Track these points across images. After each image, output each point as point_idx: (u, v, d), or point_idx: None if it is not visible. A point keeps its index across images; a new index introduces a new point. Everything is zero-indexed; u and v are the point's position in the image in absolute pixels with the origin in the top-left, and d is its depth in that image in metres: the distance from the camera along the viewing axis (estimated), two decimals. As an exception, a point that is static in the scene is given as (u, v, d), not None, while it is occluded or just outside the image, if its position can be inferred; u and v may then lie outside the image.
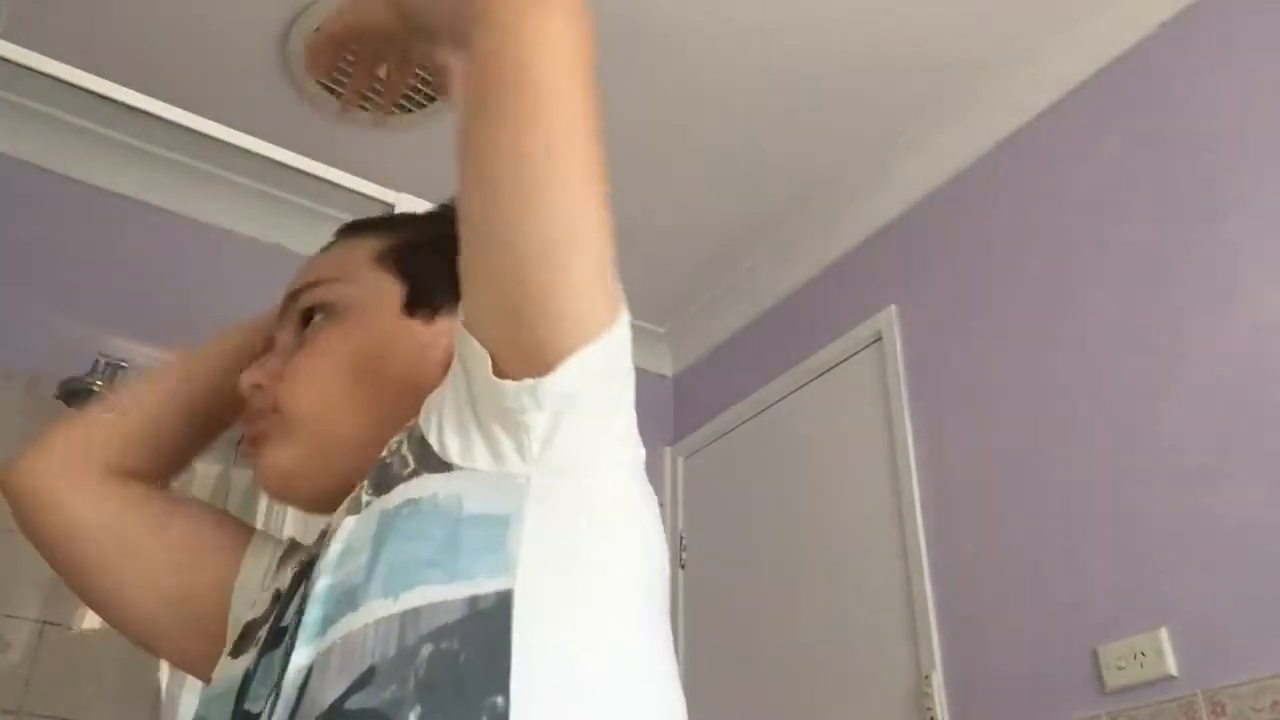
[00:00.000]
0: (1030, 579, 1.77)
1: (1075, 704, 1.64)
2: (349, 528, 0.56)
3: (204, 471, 2.18)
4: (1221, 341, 1.64)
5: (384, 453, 0.61)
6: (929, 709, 1.86)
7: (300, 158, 1.45)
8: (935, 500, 2.02)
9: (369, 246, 0.72)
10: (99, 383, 2.00)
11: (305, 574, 0.59)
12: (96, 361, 2.02)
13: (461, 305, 0.57)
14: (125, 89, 1.33)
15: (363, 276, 0.70)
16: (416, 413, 0.63)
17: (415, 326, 0.68)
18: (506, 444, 0.55)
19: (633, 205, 2.52)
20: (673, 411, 2.89)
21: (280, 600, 0.62)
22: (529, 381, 0.53)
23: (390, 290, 0.69)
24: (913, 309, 2.24)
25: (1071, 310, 1.90)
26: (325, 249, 0.75)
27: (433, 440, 0.57)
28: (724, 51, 2.12)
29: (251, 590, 0.70)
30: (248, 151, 1.43)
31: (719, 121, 2.29)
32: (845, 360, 2.38)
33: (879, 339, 2.29)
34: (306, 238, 2.43)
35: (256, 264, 2.44)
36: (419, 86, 2.20)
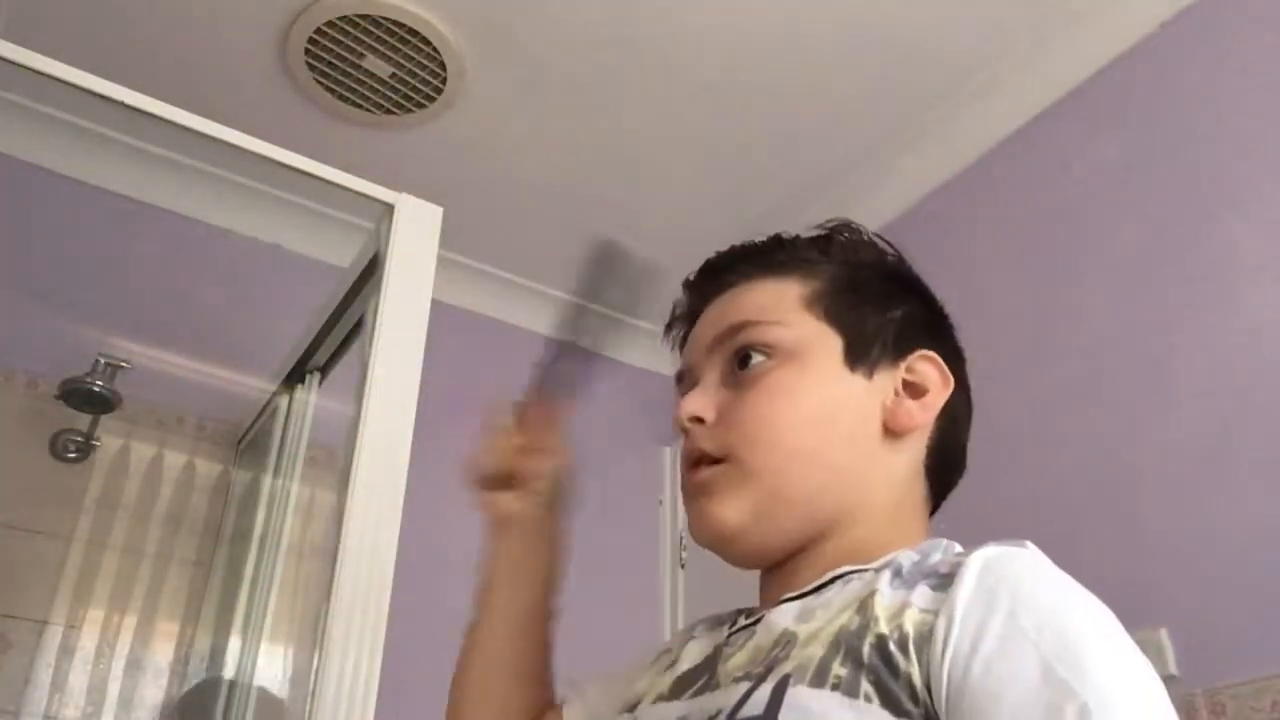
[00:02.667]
0: (1030, 579, 1.76)
1: (1075, 704, 1.64)
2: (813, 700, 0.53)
3: (205, 471, 2.18)
4: (1221, 341, 1.64)
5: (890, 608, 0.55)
6: (929, 709, 1.86)
7: (300, 158, 1.45)
8: (935, 500, 2.02)
9: (794, 289, 0.71)
10: (99, 383, 2.00)
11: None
12: (96, 361, 2.02)
13: None
14: (125, 89, 1.33)
15: (798, 322, 0.69)
16: (857, 475, 0.65)
17: (858, 384, 0.67)
18: None
19: (632, 205, 2.52)
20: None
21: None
22: None
23: (830, 340, 0.68)
24: (913, 309, 2.24)
25: (1070, 310, 1.90)
26: (728, 284, 0.74)
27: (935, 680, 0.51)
28: (723, 52, 2.12)
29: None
30: (248, 151, 1.43)
31: (719, 122, 2.29)
32: (845, 360, 2.37)
33: (879, 339, 2.29)
34: (306, 238, 2.43)
35: (256, 264, 2.44)
36: (419, 86, 2.20)
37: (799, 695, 0.53)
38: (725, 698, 0.57)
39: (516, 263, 2.75)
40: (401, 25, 2.05)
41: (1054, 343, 1.91)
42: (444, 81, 2.19)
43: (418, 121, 2.30)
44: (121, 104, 1.33)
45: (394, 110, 2.27)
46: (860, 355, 0.68)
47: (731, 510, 0.65)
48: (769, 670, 0.56)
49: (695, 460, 0.68)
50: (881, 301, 0.71)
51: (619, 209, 2.54)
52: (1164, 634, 1.54)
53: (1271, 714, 1.40)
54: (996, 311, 2.05)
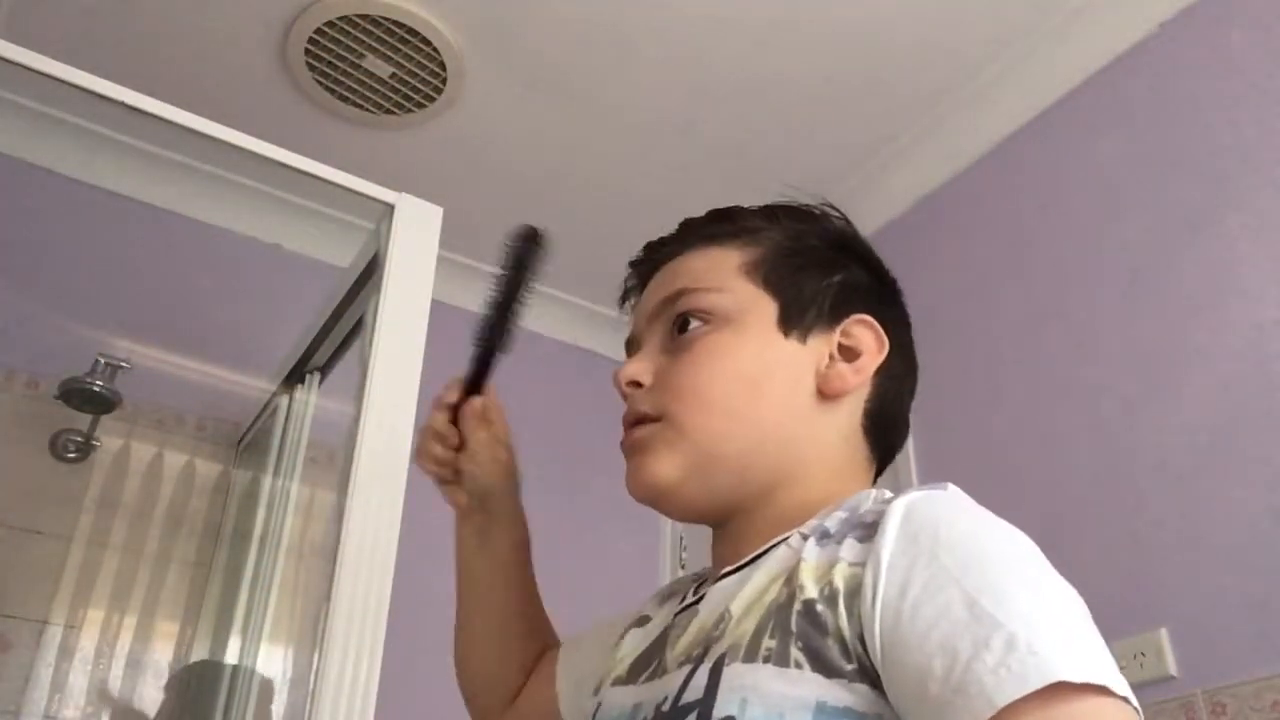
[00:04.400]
0: (1030, 579, 1.76)
1: (1075, 704, 1.63)
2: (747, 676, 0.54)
3: (205, 471, 2.18)
4: (1221, 341, 1.64)
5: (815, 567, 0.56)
6: (929, 709, 1.85)
7: (300, 158, 1.45)
8: (935, 500, 2.02)
9: (734, 257, 0.72)
10: (99, 383, 2.00)
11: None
12: (96, 361, 2.02)
13: None
14: (125, 89, 1.33)
15: (736, 288, 0.70)
16: (789, 436, 0.67)
17: (791, 348, 0.69)
18: None
19: (632, 205, 2.52)
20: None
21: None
22: None
23: (765, 306, 0.70)
24: (911, 309, 2.23)
25: (1071, 310, 1.90)
26: (674, 253, 0.76)
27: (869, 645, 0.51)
28: (723, 53, 2.12)
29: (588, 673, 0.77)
30: (248, 151, 1.43)
31: (718, 122, 2.29)
32: (845, 360, 2.37)
33: (879, 339, 2.29)
34: (306, 238, 2.43)
35: (256, 264, 2.44)
36: (419, 86, 2.20)
37: (734, 673, 0.54)
38: (671, 683, 0.59)
39: (516, 263, 2.75)
40: (401, 25, 2.05)
41: (1054, 342, 1.91)
42: (444, 81, 2.19)
43: (418, 121, 2.30)
44: (121, 104, 1.33)
45: (394, 110, 2.27)
46: (794, 320, 0.69)
47: (664, 466, 0.66)
48: (707, 651, 0.58)
49: (633, 421, 0.70)
50: (822, 267, 0.72)
51: (619, 209, 2.54)
52: (1164, 634, 1.54)
53: (1271, 714, 1.40)
54: (996, 311, 2.05)
